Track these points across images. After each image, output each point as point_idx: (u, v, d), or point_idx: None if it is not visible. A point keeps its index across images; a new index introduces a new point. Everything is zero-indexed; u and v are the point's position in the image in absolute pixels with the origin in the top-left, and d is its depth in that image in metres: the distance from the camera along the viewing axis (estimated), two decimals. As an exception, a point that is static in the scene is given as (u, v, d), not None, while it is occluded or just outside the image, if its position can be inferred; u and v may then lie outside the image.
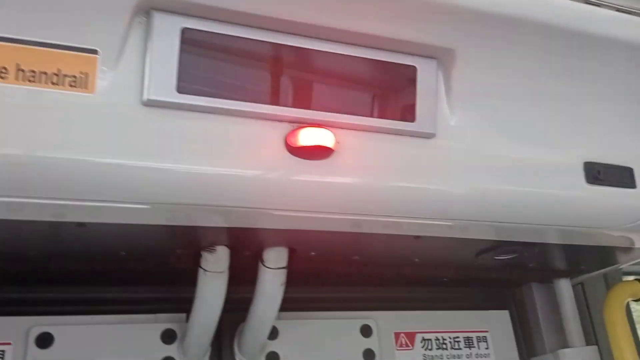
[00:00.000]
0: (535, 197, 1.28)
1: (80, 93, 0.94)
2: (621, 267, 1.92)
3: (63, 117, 0.93)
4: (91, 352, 1.38)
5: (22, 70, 0.91)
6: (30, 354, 1.34)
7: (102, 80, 0.96)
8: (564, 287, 1.86)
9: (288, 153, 1.07)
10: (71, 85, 0.94)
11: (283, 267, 1.37)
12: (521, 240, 1.46)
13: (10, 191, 0.94)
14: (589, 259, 1.77)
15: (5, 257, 1.22)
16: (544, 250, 1.60)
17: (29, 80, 0.92)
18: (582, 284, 1.99)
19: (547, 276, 1.86)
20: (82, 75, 0.95)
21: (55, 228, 1.11)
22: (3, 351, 1.32)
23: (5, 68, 0.90)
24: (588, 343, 1.86)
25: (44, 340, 1.36)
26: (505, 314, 1.91)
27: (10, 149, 0.90)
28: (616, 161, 1.35)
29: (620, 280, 2.08)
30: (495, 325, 1.88)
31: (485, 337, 1.84)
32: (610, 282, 2.06)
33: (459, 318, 1.83)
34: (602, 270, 1.89)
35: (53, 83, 0.93)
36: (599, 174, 1.32)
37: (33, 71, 0.92)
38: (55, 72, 0.93)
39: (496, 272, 1.73)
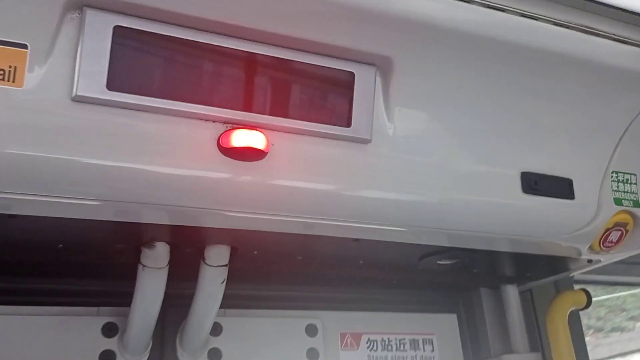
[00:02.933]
0: (473, 205, 1.30)
1: (8, 87, 0.95)
2: (572, 275, 1.95)
3: None
4: (28, 343, 1.39)
5: (-51, 62, 0.92)
6: None
7: (31, 74, 0.96)
8: (511, 293, 1.89)
9: (220, 154, 1.08)
10: (-1, 79, 0.95)
11: (224, 265, 1.38)
12: (462, 246, 1.49)
13: None
14: (535, 267, 1.80)
15: None
16: (488, 257, 1.62)
17: (-45, 72, 0.93)
18: (530, 290, 2.03)
19: (494, 282, 1.89)
20: (11, 69, 0.96)
21: None
22: None
23: None
24: (533, 350, 1.89)
25: None
26: (453, 318, 1.94)
27: None
28: (555, 172, 1.38)
29: (572, 289, 2.11)
30: (443, 328, 1.91)
31: (431, 339, 1.87)
32: (561, 290, 2.09)
33: (407, 320, 1.85)
34: (550, 278, 1.92)
35: (-19, 76, 0.94)
36: (536, 184, 1.35)
37: (-40, 63, 0.93)
38: (-17, 65, 0.94)
39: (442, 276, 1.76)
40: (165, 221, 1.20)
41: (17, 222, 1.12)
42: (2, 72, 0.95)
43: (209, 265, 1.38)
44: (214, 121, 1.09)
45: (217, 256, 1.38)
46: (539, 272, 1.84)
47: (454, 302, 1.97)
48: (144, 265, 1.32)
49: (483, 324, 1.95)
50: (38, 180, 1.00)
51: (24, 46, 0.96)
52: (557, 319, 1.80)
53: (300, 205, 1.19)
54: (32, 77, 0.97)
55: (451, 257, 1.58)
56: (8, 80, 0.95)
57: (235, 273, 1.42)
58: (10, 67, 0.96)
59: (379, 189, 1.22)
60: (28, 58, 0.97)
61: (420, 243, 1.44)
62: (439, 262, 1.60)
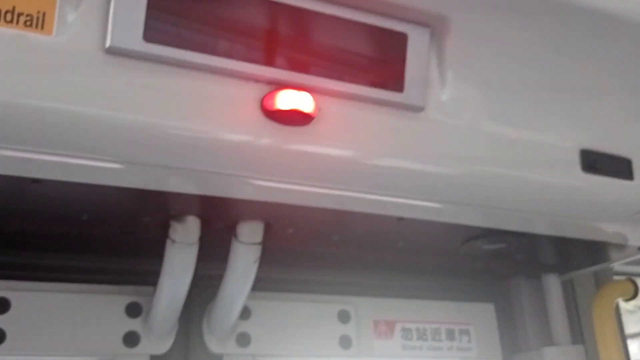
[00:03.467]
0: (528, 182, 1.20)
1: (37, 34, 0.86)
2: (612, 264, 1.85)
3: (16, 59, 0.85)
4: (49, 321, 1.30)
5: (-28, 5, 0.83)
6: None
7: (62, 21, 0.87)
8: (552, 283, 1.79)
9: (263, 116, 0.99)
10: (26, 25, 0.86)
11: (257, 243, 1.29)
12: (510, 228, 1.39)
13: None
14: (580, 254, 1.70)
15: None
16: (534, 242, 1.52)
17: (-21, 16, 0.84)
18: (571, 281, 1.92)
19: (535, 270, 1.79)
20: (39, 15, 0.87)
21: (10, 184, 1.02)
22: None
23: (-48, 0, 0.82)
24: (574, 342, 1.79)
25: (0, 305, 1.28)
26: (490, 307, 1.84)
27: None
28: (615, 151, 1.28)
29: (611, 280, 2.02)
30: (479, 318, 1.81)
31: (467, 330, 1.77)
32: (600, 281, 1.99)
33: (442, 309, 1.75)
34: (593, 267, 1.82)
35: (7, 21, 0.85)
36: (596, 162, 1.25)
37: (-16, 6, 0.84)
38: (9, 8, 0.85)
39: (482, 262, 1.66)
40: (197, 190, 1.11)
41: (41, 188, 1.03)
42: (29, 18, 0.86)
43: (242, 243, 1.28)
44: (256, 81, 0.99)
45: (251, 233, 1.28)
46: (584, 259, 1.74)
47: (491, 291, 1.87)
48: (173, 240, 1.23)
49: (521, 314, 1.85)
50: (65, 138, 0.91)
51: None
52: (603, 309, 1.70)
53: (345, 177, 1.09)
54: (62, 25, 0.87)
55: (497, 241, 1.48)
56: (36, 27, 0.86)
57: (267, 253, 1.33)
58: (38, 12, 0.87)
59: (430, 161, 1.12)
60: (58, 2, 0.88)
61: (467, 224, 1.34)
62: (483, 246, 1.50)
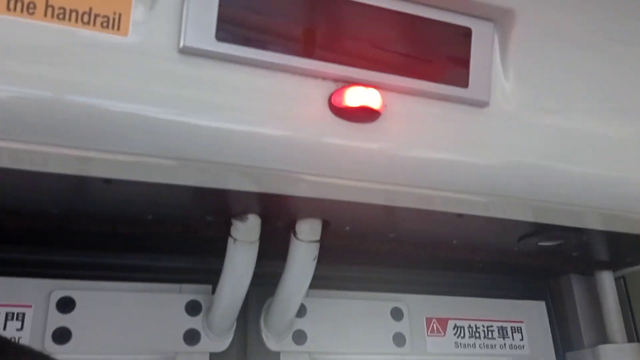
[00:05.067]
0: (586, 176, 1.18)
1: (112, 35, 0.87)
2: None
3: (92, 60, 0.86)
4: (113, 319, 1.32)
5: (52, 7, 0.84)
6: (51, 317, 1.28)
7: (137, 22, 0.88)
8: (607, 280, 1.76)
9: (331, 113, 0.99)
10: (103, 26, 0.87)
11: (316, 241, 1.29)
12: (569, 224, 1.36)
13: (34, 137, 0.87)
14: (634, 250, 1.67)
15: (27, 215, 1.16)
16: (590, 239, 1.50)
17: (58, 18, 0.85)
18: (624, 277, 1.89)
19: (589, 267, 1.76)
20: (115, 16, 0.88)
21: (80, 184, 1.04)
22: (23, 313, 1.27)
23: (33, 3, 0.83)
24: (629, 340, 1.76)
25: (65, 305, 1.30)
26: (541, 305, 1.82)
27: (36, 91, 0.84)
28: None
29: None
30: (531, 316, 1.79)
31: (520, 327, 1.75)
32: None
33: (494, 306, 1.74)
34: (647, 264, 1.79)
35: (84, 22, 0.86)
36: None
37: (63, 8, 0.85)
38: (87, 10, 0.86)
39: (535, 260, 1.63)
40: (259, 189, 1.11)
41: (112, 188, 1.04)
42: (106, 19, 0.87)
43: (301, 241, 1.28)
44: (324, 78, 0.99)
45: (310, 230, 1.28)
46: (639, 256, 1.70)
47: (542, 289, 1.85)
48: (234, 239, 1.24)
49: (574, 312, 1.82)
50: (139, 138, 0.92)
51: None
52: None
53: (409, 173, 1.09)
54: (137, 25, 0.88)
55: (554, 238, 1.46)
56: (112, 28, 0.87)
57: (322, 250, 1.33)
58: (114, 13, 0.88)
59: (496, 157, 1.11)
60: (133, 3, 0.88)
61: (527, 220, 1.32)
62: (540, 243, 1.48)
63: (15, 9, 0.83)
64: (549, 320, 1.82)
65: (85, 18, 0.86)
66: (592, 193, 1.21)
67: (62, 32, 0.85)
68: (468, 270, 1.70)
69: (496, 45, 1.10)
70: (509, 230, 1.42)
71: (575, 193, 1.20)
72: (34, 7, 0.84)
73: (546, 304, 1.84)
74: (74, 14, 0.85)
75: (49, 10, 0.84)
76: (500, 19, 1.09)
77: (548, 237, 1.46)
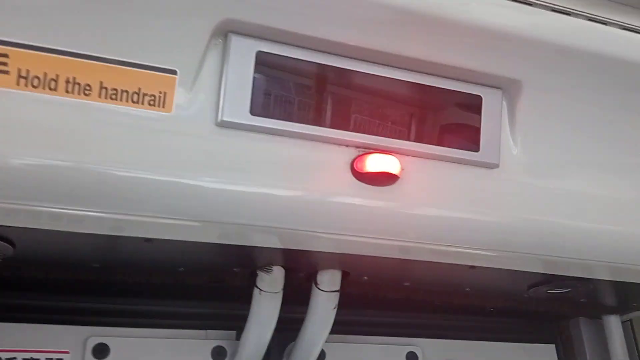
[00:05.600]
0: (589, 233, 1.26)
1: (158, 112, 0.97)
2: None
3: (141, 135, 0.96)
4: None
5: (105, 88, 0.94)
6: None
7: (179, 99, 0.98)
8: (614, 324, 1.82)
9: (354, 178, 1.08)
10: (150, 104, 0.96)
11: (336, 291, 1.37)
12: (577, 275, 1.44)
13: (84, 204, 0.96)
14: None
15: (70, 267, 1.25)
16: (597, 286, 1.57)
17: (111, 98, 0.94)
18: (630, 320, 1.95)
19: (597, 312, 1.83)
20: (161, 95, 0.97)
21: (122, 242, 1.13)
22: (61, 359, 1.35)
23: (89, 85, 0.93)
24: (637, 382, 1.82)
25: (101, 351, 1.38)
26: (551, 348, 1.88)
27: (91, 164, 0.93)
28: None
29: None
30: (542, 359, 1.84)
31: (531, 370, 1.81)
32: (660, 321, 2.01)
33: (506, 350, 1.80)
34: (654, 308, 1.85)
35: (134, 102, 0.96)
36: None
37: (115, 89, 0.95)
38: (136, 90, 0.96)
39: (545, 305, 1.71)
40: (284, 245, 1.20)
41: (151, 246, 1.13)
42: (152, 98, 0.97)
43: (322, 291, 1.37)
44: (347, 145, 1.08)
45: (330, 281, 1.37)
46: None
47: (552, 332, 1.91)
48: (260, 290, 1.32)
49: (583, 355, 1.89)
50: (179, 204, 1.00)
51: (174, 72, 0.98)
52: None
53: (425, 231, 1.17)
54: (179, 102, 0.98)
55: (562, 286, 1.53)
56: (158, 106, 0.97)
57: (341, 298, 1.41)
58: (160, 92, 0.97)
59: (505, 215, 1.19)
60: (177, 84, 0.98)
61: (536, 271, 1.40)
62: (548, 291, 1.55)
63: (72, 91, 0.93)
64: None
65: (135, 97, 0.96)
66: (596, 247, 1.29)
67: (114, 110, 0.94)
68: (480, 314, 1.77)
69: (505, 112, 1.19)
70: (519, 279, 1.49)
71: (581, 247, 1.28)
72: (90, 89, 0.93)
73: (556, 346, 1.90)
74: (124, 94, 0.95)
75: (103, 91, 0.94)
76: (508, 88, 1.18)
77: (556, 286, 1.53)
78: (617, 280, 1.49)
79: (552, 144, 1.22)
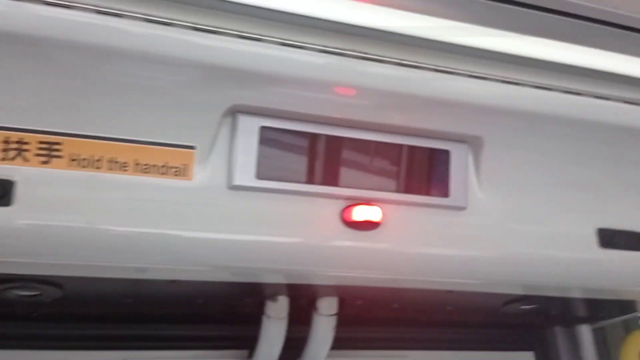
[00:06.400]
0: (555, 260, 1.46)
1: (182, 180, 1.19)
2: (640, 314, 2.08)
3: (169, 199, 1.18)
4: None
5: (139, 164, 1.17)
6: None
7: (198, 169, 1.20)
8: (585, 333, 2.04)
9: (343, 225, 1.30)
10: (175, 174, 1.19)
11: (334, 314, 1.59)
12: (544, 294, 1.66)
13: (125, 258, 1.19)
14: (608, 308, 1.95)
15: (107, 303, 1.49)
16: (565, 301, 1.78)
17: (144, 172, 1.17)
18: (603, 328, 2.16)
19: (569, 322, 2.04)
20: (183, 166, 1.19)
21: (152, 283, 1.36)
22: None
23: (126, 163, 1.16)
24: (608, 385, 2.03)
25: None
26: (529, 356, 2.09)
27: (131, 227, 1.15)
28: (631, 227, 1.54)
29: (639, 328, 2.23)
30: None
31: (511, 377, 2.03)
32: (631, 327, 2.21)
33: (488, 358, 2.02)
34: (623, 317, 2.06)
35: (161, 173, 1.18)
36: (612, 238, 1.51)
37: (147, 164, 1.17)
38: (163, 164, 1.18)
39: (521, 317, 1.92)
40: (288, 281, 1.43)
41: (175, 286, 1.36)
42: (177, 169, 1.19)
43: (321, 315, 1.59)
44: (337, 198, 1.30)
45: (329, 306, 1.59)
46: (613, 312, 1.98)
47: (531, 340, 2.12)
48: (268, 316, 1.55)
49: (558, 360, 2.10)
50: (198, 255, 1.23)
51: (193, 147, 1.20)
52: (630, 357, 1.93)
53: (406, 267, 1.38)
54: (198, 172, 1.20)
55: (532, 303, 1.75)
56: (182, 175, 1.19)
57: (339, 319, 1.63)
58: (182, 164, 1.19)
59: (474, 249, 1.41)
60: (195, 157, 1.20)
61: (505, 292, 1.62)
62: (521, 307, 1.77)
63: (113, 168, 1.15)
64: None
65: (163, 170, 1.18)
66: (557, 271, 1.50)
67: (147, 181, 1.16)
68: (463, 327, 1.98)
69: (471, 162, 1.40)
70: (493, 299, 1.71)
71: (544, 272, 1.49)
72: (127, 166, 1.16)
73: (535, 353, 2.11)
74: (154, 168, 1.18)
75: (138, 167, 1.17)
76: (473, 142, 1.40)
77: (528, 303, 1.76)
78: (581, 297, 1.71)
79: (513, 188, 1.44)
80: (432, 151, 1.37)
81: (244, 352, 1.73)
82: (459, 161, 1.39)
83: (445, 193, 1.37)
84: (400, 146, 1.35)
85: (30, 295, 1.37)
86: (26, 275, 1.28)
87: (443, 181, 1.38)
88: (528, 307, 1.78)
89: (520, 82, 1.33)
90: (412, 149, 1.36)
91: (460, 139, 1.39)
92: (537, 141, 1.43)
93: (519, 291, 1.61)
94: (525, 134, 1.41)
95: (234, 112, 1.22)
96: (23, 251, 1.13)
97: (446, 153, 1.38)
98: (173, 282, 1.33)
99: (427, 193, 1.36)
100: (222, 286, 1.43)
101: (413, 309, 1.76)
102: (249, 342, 1.65)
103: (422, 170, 1.39)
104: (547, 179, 1.46)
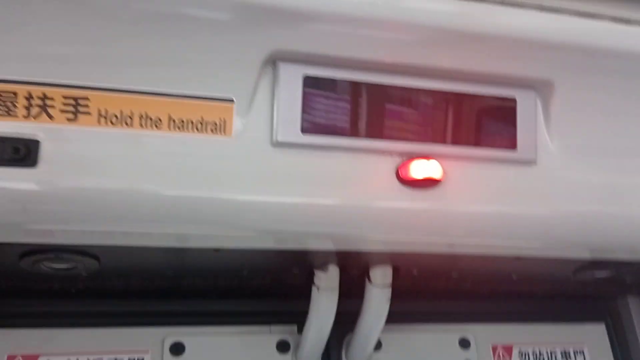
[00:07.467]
0: (631, 218, 1.31)
1: (220, 137, 1.08)
2: None
3: (207, 159, 1.07)
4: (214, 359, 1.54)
5: (173, 120, 1.06)
6: None
7: (237, 124, 1.09)
8: (662, 301, 1.86)
9: (399, 184, 1.17)
10: (212, 131, 1.08)
11: (388, 285, 1.47)
12: (619, 259, 1.50)
13: (163, 224, 1.09)
14: None
15: (148, 276, 1.40)
16: None
17: (178, 128, 1.06)
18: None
19: (644, 290, 1.87)
20: (221, 122, 1.08)
21: (193, 252, 1.26)
22: (142, 358, 1.50)
23: (159, 119, 1.05)
24: (689, 357, 1.86)
25: (177, 349, 1.52)
26: (601, 327, 1.93)
27: (166, 189, 1.05)
28: None
29: None
30: (592, 338, 1.90)
31: (582, 350, 1.86)
32: None
33: (556, 331, 1.86)
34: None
35: (197, 130, 1.07)
36: None
37: (182, 120, 1.07)
38: (200, 119, 1.07)
39: (592, 287, 1.76)
40: (339, 247, 1.30)
41: (218, 256, 1.25)
42: (214, 125, 1.08)
43: (375, 286, 1.47)
44: (391, 154, 1.17)
45: (382, 276, 1.46)
46: None
47: (601, 311, 1.96)
48: (318, 287, 1.43)
49: (633, 332, 1.93)
50: (239, 218, 1.12)
51: (231, 100, 1.09)
52: None
53: (469, 229, 1.25)
54: (238, 127, 1.09)
55: (608, 269, 1.59)
56: (219, 132, 1.08)
57: (393, 290, 1.50)
58: (220, 119, 1.08)
59: (546, 208, 1.26)
60: (234, 111, 1.09)
61: (577, 257, 1.46)
62: (594, 274, 1.61)
63: (146, 125, 1.05)
64: (610, 341, 1.92)
65: (199, 126, 1.07)
66: (634, 231, 1.34)
67: (182, 139, 1.06)
68: (530, 298, 1.83)
69: (539, 111, 1.26)
70: (563, 266, 1.55)
71: (622, 232, 1.34)
72: (160, 122, 1.06)
73: (606, 325, 1.94)
74: (190, 124, 1.07)
75: (171, 123, 1.06)
76: (541, 89, 1.24)
77: (601, 269, 1.59)
78: None
79: (587, 138, 1.28)
80: (497, 99, 1.23)
81: (293, 328, 1.62)
82: (527, 109, 1.24)
83: (512, 145, 1.23)
84: (461, 95, 1.21)
85: (65, 269, 1.29)
86: (58, 245, 1.19)
87: (509, 132, 1.23)
88: (601, 274, 1.62)
89: (597, 14, 1.17)
90: (474, 97, 1.22)
91: (527, 85, 1.24)
92: (615, 84, 1.26)
93: (592, 255, 1.45)
94: (601, 77, 1.25)
95: (275, 59, 1.10)
96: (52, 217, 1.04)
97: (512, 101, 1.24)
98: (216, 250, 1.22)
99: (492, 146, 1.22)
100: (268, 255, 1.32)
101: (475, 280, 1.62)
102: (298, 317, 1.55)
103: (486, 121, 1.24)
104: (626, 128, 1.30)
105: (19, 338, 1.46)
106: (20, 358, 1.46)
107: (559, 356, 1.84)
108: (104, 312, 1.53)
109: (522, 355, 1.80)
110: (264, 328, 1.62)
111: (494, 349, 1.78)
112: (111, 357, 1.50)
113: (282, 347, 1.60)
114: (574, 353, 1.86)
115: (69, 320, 1.50)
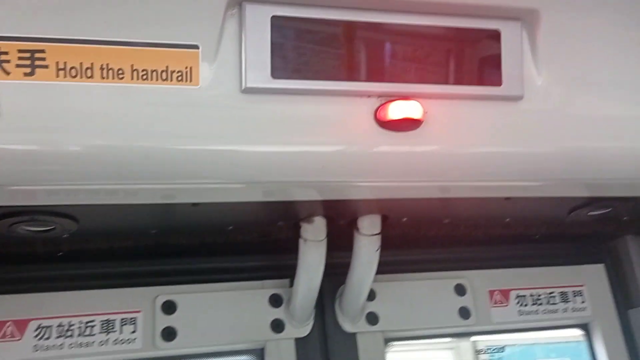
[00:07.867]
0: (626, 152, 1.27)
1: (187, 86, 1.03)
2: None
3: (174, 110, 1.03)
4: (210, 317, 1.52)
5: (136, 70, 1.01)
6: (158, 319, 1.49)
7: (204, 72, 1.04)
8: (661, 239, 1.83)
9: (378, 127, 1.12)
10: (178, 80, 1.03)
11: (377, 234, 1.44)
12: (614, 195, 1.45)
13: (134, 179, 1.05)
14: None
15: (131, 235, 1.37)
16: (638, 203, 1.57)
17: (143, 79, 1.01)
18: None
19: (642, 228, 1.83)
20: (187, 70, 1.03)
21: (173, 208, 1.23)
22: (135, 318, 1.49)
23: (122, 69, 1.00)
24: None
25: (169, 307, 1.51)
26: (600, 268, 1.90)
27: (132, 141, 1.01)
28: None
29: None
30: (591, 279, 1.87)
31: (581, 291, 1.84)
32: None
33: (553, 274, 1.84)
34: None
35: (163, 79, 1.02)
36: None
37: (145, 70, 1.01)
38: (164, 68, 1.02)
39: (589, 227, 1.73)
40: (323, 197, 1.26)
41: (198, 209, 1.22)
42: (180, 73, 1.03)
43: (364, 235, 1.43)
44: (369, 96, 1.12)
45: (370, 225, 1.43)
46: None
47: (600, 252, 1.93)
48: (305, 239, 1.40)
49: (632, 271, 1.90)
50: (218, 169, 1.08)
51: (196, 47, 1.03)
52: None
53: (454, 169, 1.21)
54: (205, 75, 1.04)
55: (602, 207, 1.55)
56: (185, 80, 1.03)
57: (384, 240, 1.47)
58: (186, 67, 1.03)
59: (533, 145, 1.21)
60: (200, 57, 1.04)
61: (571, 196, 1.42)
62: (589, 213, 1.57)
63: (108, 76, 1.00)
64: (609, 281, 1.90)
65: (164, 75, 1.02)
66: (631, 165, 1.29)
67: (147, 89, 1.01)
68: (526, 242, 1.80)
69: (526, 43, 1.19)
70: (557, 205, 1.52)
71: (615, 167, 1.29)
72: (123, 73, 1.01)
73: (605, 265, 1.91)
74: (154, 73, 1.02)
75: (135, 73, 1.01)
76: (527, 18, 1.18)
77: (596, 207, 1.55)
78: None
79: (577, 69, 1.22)
80: (479, 32, 1.17)
81: (285, 282, 1.60)
82: (512, 42, 1.18)
83: (497, 81, 1.17)
84: (441, 29, 1.15)
85: (43, 231, 1.26)
86: (33, 206, 1.16)
87: (494, 67, 1.18)
88: (597, 213, 1.58)
89: None
90: (454, 31, 1.15)
91: (512, 15, 1.17)
92: (606, 12, 1.20)
93: (586, 193, 1.41)
94: (590, 2, 1.18)
95: (240, 1, 1.05)
96: (18, 177, 1.00)
97: (496, 33, 1.17)
98: (194, 205, 1.19)
99: (476, 83, 1.17)
100: (252, 208, 1.29)
101: (467, 225, 1.59)
102: (289, 271, 1.52)
103: (468, 57, 1.19)
104: (619, 57, 1.24)
105: (8, 304, 1.45)
106: (11, 323, 1.45)
107: (557, 298, 1.81)
108: (92, 275, 1.51)
109: (519, 299, 1.78)
110: (256, 283, 1.60)
111: (491, 294, 1.76)
112: (103, 319, 1.49)
113: (275, 301, 1.58)
114: (573, 294, 1.83)
115: (58, 284, 1.49)
